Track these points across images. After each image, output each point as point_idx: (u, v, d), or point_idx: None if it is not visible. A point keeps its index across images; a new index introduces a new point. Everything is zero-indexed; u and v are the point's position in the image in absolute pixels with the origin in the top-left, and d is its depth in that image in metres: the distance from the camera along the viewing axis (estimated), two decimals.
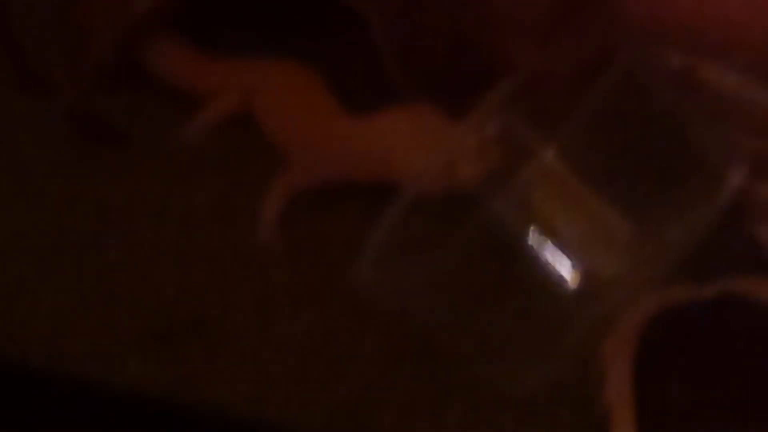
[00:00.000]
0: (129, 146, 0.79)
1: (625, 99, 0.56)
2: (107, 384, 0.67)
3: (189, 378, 0.67)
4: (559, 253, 0.57)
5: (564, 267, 0.57)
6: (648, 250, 0.57)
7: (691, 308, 0.66)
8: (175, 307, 0.70)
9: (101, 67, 0.80)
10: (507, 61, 0.52)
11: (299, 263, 0.72)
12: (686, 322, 0.66)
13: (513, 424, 0.64)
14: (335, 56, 0.82)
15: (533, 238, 0.57)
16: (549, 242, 0.57)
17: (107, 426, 0.65)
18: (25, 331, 0.69)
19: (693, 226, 0.57)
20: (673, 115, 0.58)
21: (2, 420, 0.63)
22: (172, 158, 0.78)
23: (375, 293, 0.63)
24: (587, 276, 0.57)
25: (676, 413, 0.64)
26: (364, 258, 0.59)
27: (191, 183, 0.77)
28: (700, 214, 0.57)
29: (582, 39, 0.49)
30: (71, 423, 0.65)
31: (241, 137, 0.79)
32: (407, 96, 0.75)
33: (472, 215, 0.58)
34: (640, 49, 0.50)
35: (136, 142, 0.79)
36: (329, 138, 0.74)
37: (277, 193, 0.74)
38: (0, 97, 0.82)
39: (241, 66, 0.81)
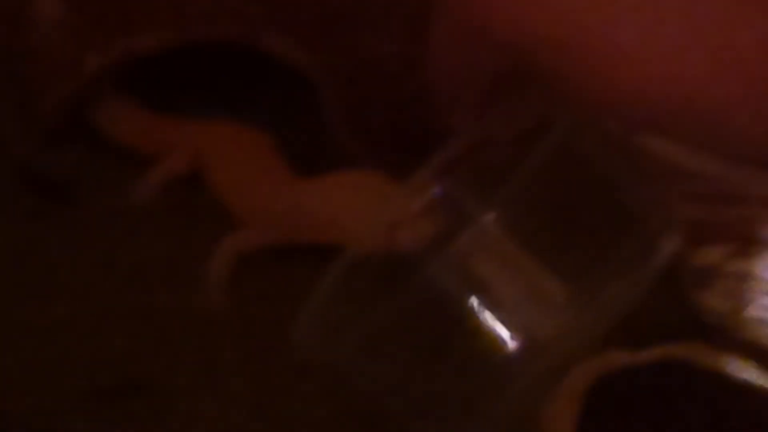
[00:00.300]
0: (77, 203, 0.79)
1: (563, 164, 0.57)
2: None
3: None
4: (498, 315, 0.58)
5: (502, 329, 0.58)
6: (585, 312, 0.58)
7: (632, 372, 0.67)
8: (123, 365, 0.69)
9: (50, 125, 0.80)
10: (447, 128, 0.53)
11: (246, 321, 0.72)
12: (627, 387, 0.67)
13: None
14: (283, 118, 0.83)
15: (471, 301, 0.58)
16: (487, 305, 0.58)
17: None
18: None
19: (629, 290, 0.58)
20: (610, 181, 0.60)
21: None
22: (121, 216, 0.78)
23: (313, 352, 0.63)
24: (525, 338, 0.57)
25: None
26: (302, 317, 0.60)
27: (139, 241, 0.77)
28: (635, 278, 0.58)
29: (520, 108, 0.50)
30: None
31: (190, 196, 0.79)
32: (354, 158, 0.76)
33: (411, 278, 0.58)
34: (579, 117, 0.51)
35: (85, 200, 0.79)
36: (277, 200, 0.74)
37: (224, 253, 0.74)
38: None
39: (190, 126, 0.81)
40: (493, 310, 0.58)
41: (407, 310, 0.57)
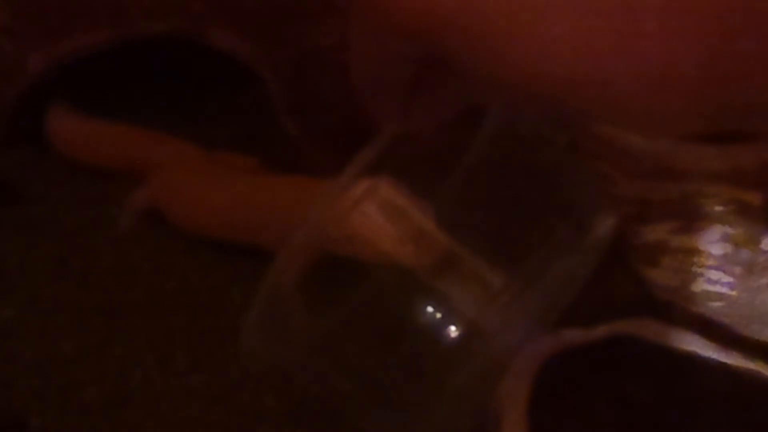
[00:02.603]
0: (25, 203, 0.79)
1: (496, 154, 0.57)
2: None
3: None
4: (442, 310, 0.58)
5: (448, 324, 0.58)
6: (525, 297, 0.58)
7: (583, 349, 0.67)
8: (74, 363, 0.69)
9: None
10: (372, 123, 0.53)
11: (197, 313, 0.72)
12: (578, 364, 0.67)
13: None
14: (231, 112, 0.83)
15: (415, 299, 0.58)
16: (431, 301, 0.58)
17: None
18: None
19: (568, 274, 0.59)
20: (543, 166, 0.60)
21: None
22: (70, 214, 0.78)
23: (261, 357, 0.64)
24: (470, 330, 0.58)
25: None
26: (247, 323, 0.60)
27: (89, 238, 0.77)
28: (573, 260, 0.59)
29: (442, 98, 0.50)
30: None
31: None
32: (302, 149, 0.76)
33: (356, 279, 0.59)
34: (503, 104, 0.51)
35: (33, 199, 0.79)
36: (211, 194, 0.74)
37: (130, 209, 0.76)
38: None
39: (132, 136, 0.81)
40: (436, 305, 0.58)
41: (355, 310, 0.57)
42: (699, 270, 0.70)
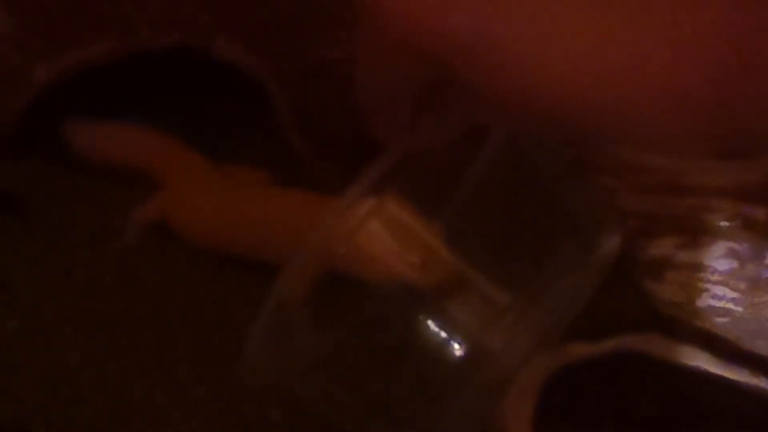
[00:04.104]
0: (31, 214, 0.79)
1: (501, 173, 0.57)
2: None
3: None
4: (445, 327, 0.58)
5: (452, 341, 0.58)
6: (529, 316, 0.58)
7: (588, 365, 0.67)
8: (79, 375, 0.69)
9: (2, 137, 0.80)
10: (377, 141, 0.53)
11: (202, 327, 0.72)
12: (583, 379, 0.67)
13: None
14: (236, 125, 0.83)
15: (419, 315, 0.58)
16: (435, 318, 0.58)
17: None
18: None
19: (573, 291, 0.59)
20: (549, 184, 0.60)
21: None
22: (75, 226, 0.78)
23: (263, 376, 0.64)
24: (475, 348, 0.58)
25: None
26: (249, 343, 0.60)
27: (94, 250, 0.77)
28: (578, 278, 0.59)
29: (449, 118, 0.50)
30: None
31: None
32: (307, 161, 0.76)
33: (361, 295, 0.59)
34: (510, 125, 0.51)
35: (39, 211, 0.79)
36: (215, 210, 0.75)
37: (134, 222, 0.76)
38: None
39: (149, 138, 0.81)
40: (440, 323, 0.58)
41: (359, 326, 0.57)
42: (704, 285, 0.70)
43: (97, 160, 0.80)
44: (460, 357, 0.57)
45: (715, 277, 0.70)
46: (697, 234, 0.70)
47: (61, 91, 0.79)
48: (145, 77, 0.81)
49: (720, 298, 0.70)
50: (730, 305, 0.70)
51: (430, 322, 0.57)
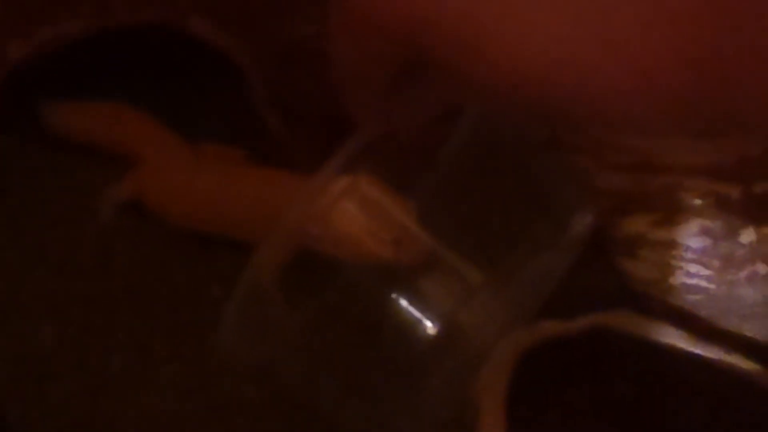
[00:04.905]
0: (5, 192, 0.78)
1: (475, 153, 0.57)
2: None
3: (70, 421, 0.67)
4: (418, 306, 0.58)
5: (426, 320, 0.58)
6: (503, 294, 0.58)
7: (562, 342, 0.68)
8: (53, 353, 0.69)
9: None
10: (352, 120, 0.53)
11: (176, 306, 0.72)
12: (557, 356, 0.67)
13: None
14: (211, 103, 0.83)
15: (393, 293, 0.58)
16: (408, 296, 0.58)
17: None
18: None
19: (547, 269, 0.59)
20: (522, 164, 0.60)
21: None
22: (50, 204, 0.78)
23: (238, 354, 0.64)
24: (449, 326, 0.58)
25: None
26: (223, 322, 0.60)
27: (70, 228, 0.76)
28: (551, 257, 0.59)
29: (423, 98, 0.50)
30: None
31: None
32: (282, 140, 0.76)
33: (334, 274, 0.59)
34: (483, 105, 0.51)
35: (13, 188, 0.79)
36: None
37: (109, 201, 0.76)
38: None
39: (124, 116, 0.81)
40: (414, 301, 0.58)
41: (333, 305, 0.57)
42: (678, 263, 0.70)
43: (74, 138, 0.79)
44: (434, 335, 0.57)
45: (689, 255, 0.70)
46: (670, 212, 0.70)
47: (37, 69, 0.78)
48: (121, 55, 0.81)
49: (693, 276, 0.70)
50: (703, 283, 0.70)
51: (403, 301, 0.57)
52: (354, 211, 0.59)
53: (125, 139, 0.78)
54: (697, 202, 0.69)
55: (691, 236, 0.70)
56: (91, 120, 0.80)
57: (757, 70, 0.37)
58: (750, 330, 0.70)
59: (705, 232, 0.70)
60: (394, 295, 0.58)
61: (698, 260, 0.70)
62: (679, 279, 0.71)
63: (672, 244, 0.71)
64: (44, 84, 0.80)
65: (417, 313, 0.57)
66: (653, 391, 0.68)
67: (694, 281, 0.70)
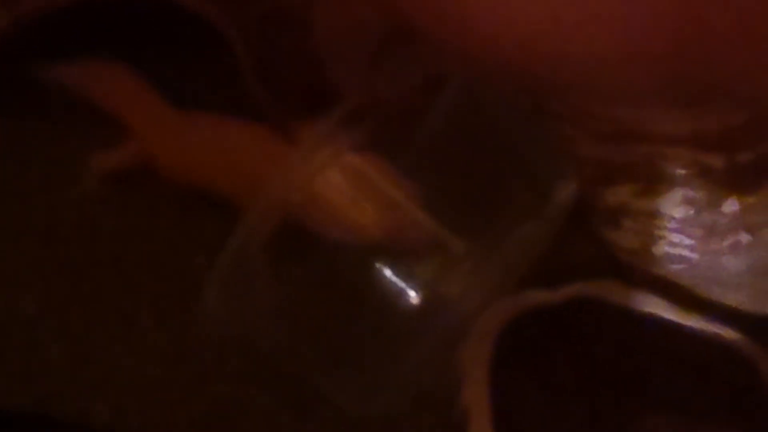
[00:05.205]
0: None
1: (457, 123, 0.57)
2: None
3: (53, 390, 0.67)
4: (403, 276, 0.58)
5: (409, 290, 0.58)
6: (486, 264, 0.58)
7: (545, 312, 0.68)
8: (37, 321, 0.69)
9: None
10: (336, 88, 0.53)
11: (160, 274, 0.72)
12: (540, 326, 0.68)
13: (376, 429, 0.66)
14: (194, 71, 0.82)
15: (377, 263, 0.58)
16: (391, 266, 0.58)
17: None
18: None
19: (530, 239, 0.59)
20: (504, 134, 0.60)
21: None
22: (34, 172, 0.77)
23: (221, 325, 0.64)
24: (432, 296, 0.58)
25: (531, 414, 0.66)
26: (207, 293, 0.60)
27: (53, 196, 0.76)
28: (533, 227, 0.59)
29: (406, 66, 0.50)
30: None
31: None
32: (267, 108, 0.76)
33: (318, 245, 0.59)
34: (465, 73, 0.51)
35: None
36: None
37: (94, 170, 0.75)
38: None
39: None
40: (397, 271, 0.58)
41: (317, 274, 0.57)
42: (660, 232, 0.71)
43: (74, 95, 0.79)
44: (418, 305, 0.58)
45: (672, 225, 0.70)
46: (653, 182, 0.70)
47: (20, 39, 0.78)
48: (105, 26, 0.80)
49: (676, 245, 0.70)
50: (686, 252, 0.70)
51: (386, 271, 0.58)
52: (338, 180, 0.59)
53: (119, 101, 0.78)
54: (680, 171, 0.69)
55: (674, 206, 0.70)
56: (91, 77, 0.80)
57: (747, 50, 0.37)
58: (733, 299, 0.70)
59: (688, 201, 0.70)
60: (377, 265, 0.58)
61: (681, 230, 0.70)
62: (661, 248, 0.71)
63: (655, 214, 0.71)
64: (28, 54, 0.80)
65: (400, 283, 0.58)
66: (636, 360, 0.68)
67: (677, 251, 0.70)
